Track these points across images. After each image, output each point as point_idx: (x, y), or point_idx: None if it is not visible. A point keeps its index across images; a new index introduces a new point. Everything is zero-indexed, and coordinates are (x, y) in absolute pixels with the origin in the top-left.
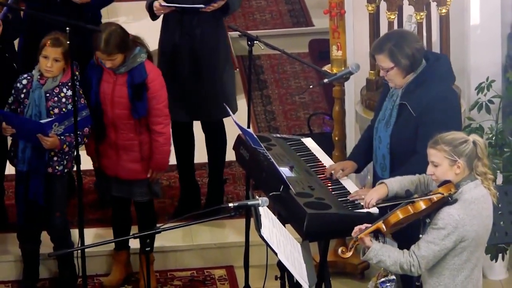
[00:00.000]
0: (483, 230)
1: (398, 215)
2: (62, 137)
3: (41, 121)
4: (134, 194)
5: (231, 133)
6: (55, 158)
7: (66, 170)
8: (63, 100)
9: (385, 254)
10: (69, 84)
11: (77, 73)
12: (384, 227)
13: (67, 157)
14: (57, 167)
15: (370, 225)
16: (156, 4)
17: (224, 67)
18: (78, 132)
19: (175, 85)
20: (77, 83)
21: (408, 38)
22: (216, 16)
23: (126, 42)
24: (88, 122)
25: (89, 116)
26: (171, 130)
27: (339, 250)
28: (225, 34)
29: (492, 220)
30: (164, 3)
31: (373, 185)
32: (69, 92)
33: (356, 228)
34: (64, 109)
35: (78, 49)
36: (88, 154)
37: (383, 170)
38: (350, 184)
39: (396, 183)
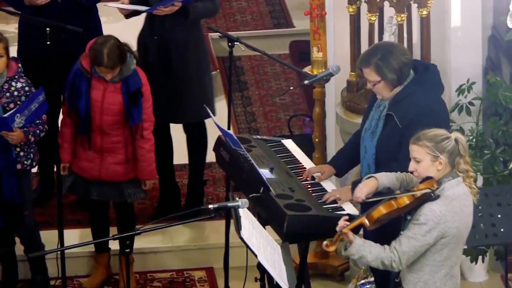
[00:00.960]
0: (464, 227)
1: (381, 210)
2: (25, 129)
3: (4, 115)
4: (128, 195)
5: (212, 135)
6: (22, 153)
7: (34, 164)
8: (15, 93)
9: (367, 249)
10: (16, 77)
11: (19, 64)
12: (367, 222)
13: (32, 150)
14: (25, 162)
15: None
16: (118, 4)
17: (198, 69)
18: (38, 121)
19: (150, 86)
20: (23, 75)
21: (394, 51)
22: (182, 20)
23: (124, 52)
24: (45, 108)
25: (45, 100)
26: None
27: (324, 244)
28: (198, 36)
29: (472, 218)
30: (123, 6)
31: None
32: (19, 85)
33: (341, 222)
34: (18, 102)
35: (59, 49)
36: (63, 160)
37: None
38: (330, 186)
39: (385, 177)
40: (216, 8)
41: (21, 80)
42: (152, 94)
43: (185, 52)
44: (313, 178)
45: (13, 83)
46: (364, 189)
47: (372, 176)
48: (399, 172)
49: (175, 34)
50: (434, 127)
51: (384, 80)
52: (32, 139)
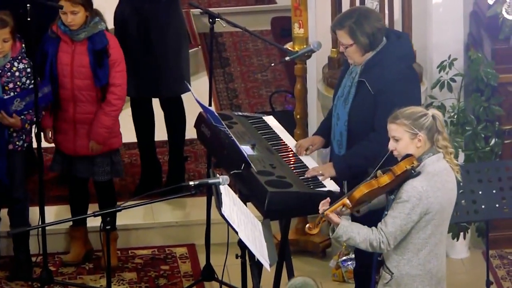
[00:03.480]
0: (447, 203)
1: (363, 189)
2: (23, 117)
3: (4, 97)
4: (96, 173)
5: (193, 111)
6: (15, 134)
7: (25, 145)
8: (16, 74)
9: (355, 231)
10: (19, 57)
11: (23, 45)
12: (349, 202)
13: (24, 131)
14: (17, 143)
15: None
16: None
17: (176, 45)
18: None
19: (127, 61)
20: (25, 55)
21: (369, 16)
22: None
23: (90, 0)
24: (48, 99)
25: (50, 92)
26: (126, 108)
27: (306, 227)
28: (179, 11)
29: (456, 194)
30: None
31: (330, 161)
32: (21, 65)
33: (323, 204)
34: (18, 83)
35: (36, 24)
36: (43, 125)
37: (340, 148)
38: (311, 162)
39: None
40: None
41: (23, 61)
42: (131, 69)
43: (166, 25)
44: (294, 154)
45: (15, 64)
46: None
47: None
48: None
49: (156, 9)
50: (404, 96)
51: (356, 43)
52: (28, 127)
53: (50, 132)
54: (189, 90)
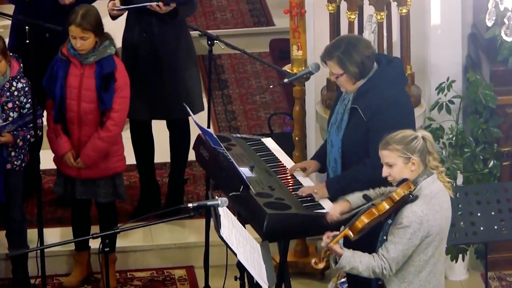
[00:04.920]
0: (445, 223)
1: (364, 220)
2: (15, 132)
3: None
4: (99, 194)
5: (192, 133)
6: (13, 154)
7: (23, 164)
8: (15, 93)
9: (357, 260)
10: (18, 77)
11: (21, 64)
12: (351, 233)
13: (23, 151)
14: (15, 163)
15: (337, 232)
16: (109, 5)
17: (186, 66)
18: (31, 125)
19: (136, 83)
20: (23, 75)
21: (357, 45)
22: (168, 18)
23: (100, 25)
24: (39, 117)
25: (41, 113)
26: (126, 133)
27: (312, 262)
28: (186, 33)
29: (451, 212)
30: (116, 7)
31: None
32: (19, 85)
33: (325, 237)
34: (17, 102)
35: (42, 46)
36: (61, 153)
37: (335, 174)
38: (310, 185)
39: (357, 198)
40: (197, 7)
41: (22, 80)
42: (142, 92)
43: (175, 48)
44: (293, 176)
45: (14, 83)
46: (337, 208)
47: (344, 199)
48: (371, 190)
49: (165, 31)
50: (397, 119)
51: (346, 73)
52: (21, 143)
53: (72, 154)
54: (201, 110)
